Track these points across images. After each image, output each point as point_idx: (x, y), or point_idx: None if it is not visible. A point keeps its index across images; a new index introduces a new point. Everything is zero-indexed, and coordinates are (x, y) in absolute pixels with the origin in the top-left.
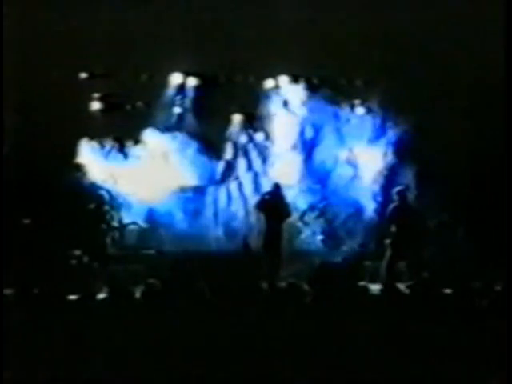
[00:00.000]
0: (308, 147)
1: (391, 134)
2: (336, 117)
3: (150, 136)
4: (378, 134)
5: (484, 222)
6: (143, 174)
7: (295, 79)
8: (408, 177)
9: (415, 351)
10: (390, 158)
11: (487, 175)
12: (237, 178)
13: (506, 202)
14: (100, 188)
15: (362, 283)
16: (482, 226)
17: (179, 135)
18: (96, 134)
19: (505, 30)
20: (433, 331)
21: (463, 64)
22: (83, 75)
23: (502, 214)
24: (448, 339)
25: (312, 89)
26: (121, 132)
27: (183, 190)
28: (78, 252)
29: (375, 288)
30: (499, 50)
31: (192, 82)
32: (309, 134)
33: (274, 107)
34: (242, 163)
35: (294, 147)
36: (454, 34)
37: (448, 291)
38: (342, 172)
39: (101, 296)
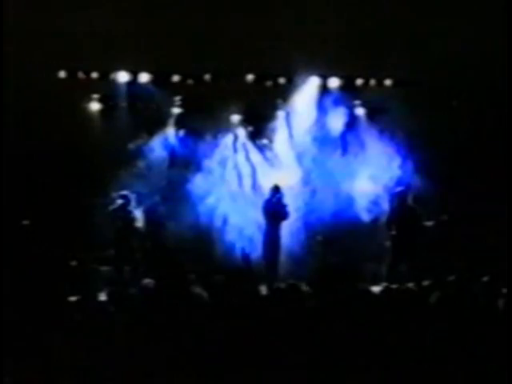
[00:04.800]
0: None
1: (393, 135)
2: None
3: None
4: (381, 135)
5: (484, 221)
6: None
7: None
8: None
9: (415, 351)
10: (391, 159)
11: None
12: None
13: (507, 202)
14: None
15: (363, 285)
16: (481, 226)
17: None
18: (95, 135)
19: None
20: (433, 332)
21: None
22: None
23: (502, 213)
24: (448, 339)
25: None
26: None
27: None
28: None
29: (376, 290)
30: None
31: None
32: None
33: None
34: (242, 164)
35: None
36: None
37: (448, 291)
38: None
39: (101, 297)
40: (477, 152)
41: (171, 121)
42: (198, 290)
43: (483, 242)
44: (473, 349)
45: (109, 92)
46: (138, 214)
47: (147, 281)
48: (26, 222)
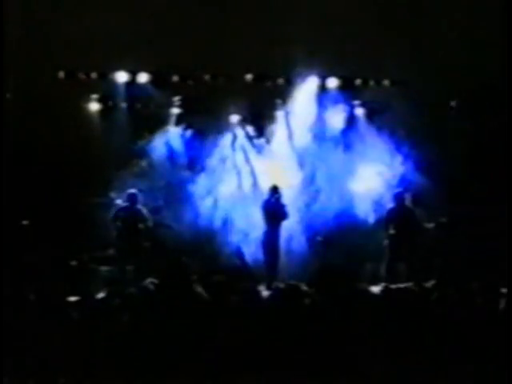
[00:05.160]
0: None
1: (392, 135)
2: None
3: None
4: (380, 135)
5: (484, 222)
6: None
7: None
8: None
9: (416, 352)
10: (390, 159)
11: (488, 173)
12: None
13: (507, 202)
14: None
15: (362, 285)
16: (481, 227)
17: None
18: (95, 135)
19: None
20: (433, 332)
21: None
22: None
23: (502, 214)
24: (448, 339)
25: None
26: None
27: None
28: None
29: (375, 289)
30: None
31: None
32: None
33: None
34: (242, 165)
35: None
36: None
37: (448, 292)
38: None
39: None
40: (476, 152)
41: (171, 121)
42: (199, 289)
43: (483, 242)
44: (473, 349)
45: (108, 92)
46: (145, 213)
47: (148, 280)
48: (25, 222)
